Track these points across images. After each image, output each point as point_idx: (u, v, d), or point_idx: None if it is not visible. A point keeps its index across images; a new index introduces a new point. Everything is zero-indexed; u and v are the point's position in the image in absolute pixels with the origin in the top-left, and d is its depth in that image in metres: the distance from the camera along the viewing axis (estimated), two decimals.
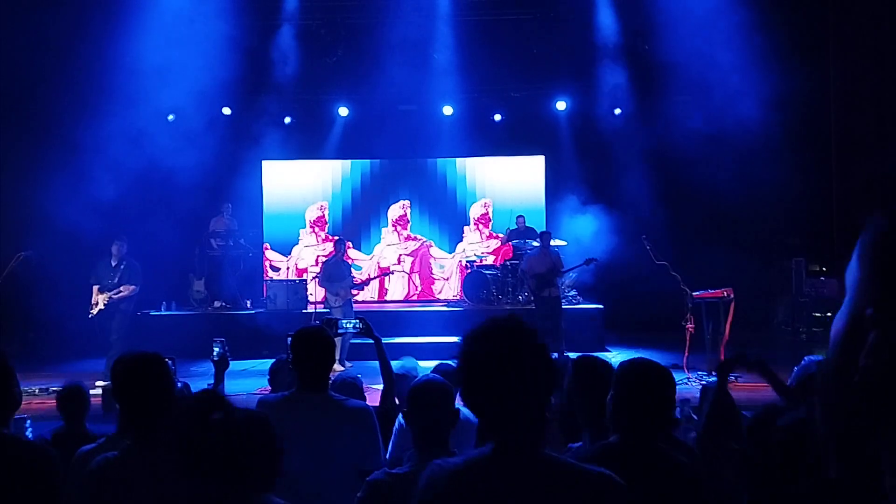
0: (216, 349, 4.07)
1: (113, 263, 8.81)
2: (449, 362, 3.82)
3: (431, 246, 13.52)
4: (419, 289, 13.39)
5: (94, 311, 8.74)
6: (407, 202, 13.55)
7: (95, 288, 8.79)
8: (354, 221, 13.54)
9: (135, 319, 10.77)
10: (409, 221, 13.57)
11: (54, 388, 8.12)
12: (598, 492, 1.67)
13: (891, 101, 8.54)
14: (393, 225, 13.58)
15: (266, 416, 2.12)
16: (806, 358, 3.65)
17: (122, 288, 8.77)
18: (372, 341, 4.59)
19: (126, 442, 2.55)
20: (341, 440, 3.01)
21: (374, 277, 11.56)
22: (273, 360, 4.50)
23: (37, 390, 8.10)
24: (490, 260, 12.79)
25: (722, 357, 8.37)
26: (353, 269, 10.20)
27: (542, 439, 1.70)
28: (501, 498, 1.63)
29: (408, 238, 13.53)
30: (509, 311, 1.80)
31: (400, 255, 13.49)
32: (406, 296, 13.34)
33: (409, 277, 13.39)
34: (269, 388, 4.44)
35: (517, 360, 1.67)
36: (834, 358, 1.61)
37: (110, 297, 8.73)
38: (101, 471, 2.40)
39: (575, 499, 1.65)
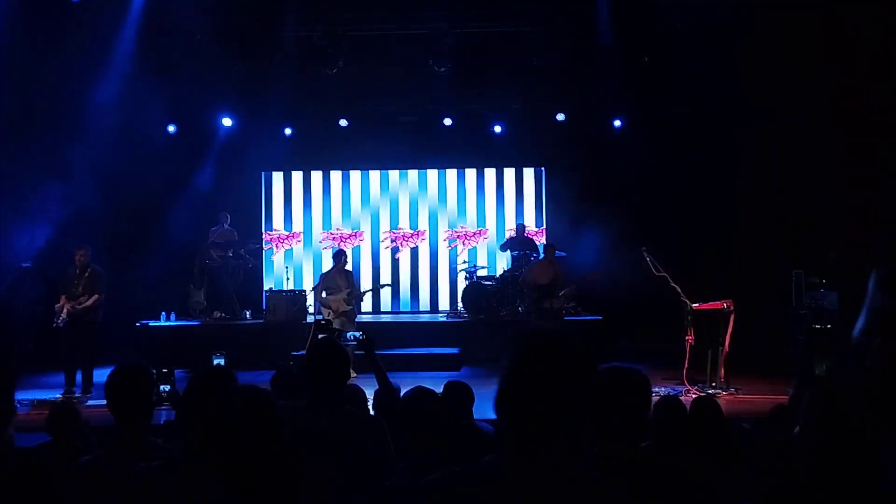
0: (216, 362, 4.08)
1: (77, 272, 8.65)
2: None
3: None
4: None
5: (59, 319, 8.58)
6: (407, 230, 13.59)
7: (63, 297, 8.64)
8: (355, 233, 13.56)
9: (132, 330, 10.80)
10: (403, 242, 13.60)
11: (51, 399, 8.17)
12: (612, 495, 1.68)
13: (892, 109, 8.55)
14: (392, 240, 13.59)
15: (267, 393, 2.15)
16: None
17: (81, 299, 8.60)
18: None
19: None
20: (355, 453, 3.01)
21: (370, 290, 11.48)
22: (274, 372, 4.50)
23: (34, 401, 8.07)
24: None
25: (722, 371, 8.36)
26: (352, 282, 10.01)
27: (562, 445, 1.71)
28: (513, 501, 1.64)
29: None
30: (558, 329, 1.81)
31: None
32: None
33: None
34: None
35: (566, 373, 1.69)
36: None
37: (73, 307, 8.56)
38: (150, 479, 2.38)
39: (594, 501, 1.66)
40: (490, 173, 13.59)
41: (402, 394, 4.61)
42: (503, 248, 12.48)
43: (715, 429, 3.64)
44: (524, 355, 1.72)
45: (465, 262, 12.84)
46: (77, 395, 8.44)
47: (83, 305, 8.59)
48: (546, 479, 1.65)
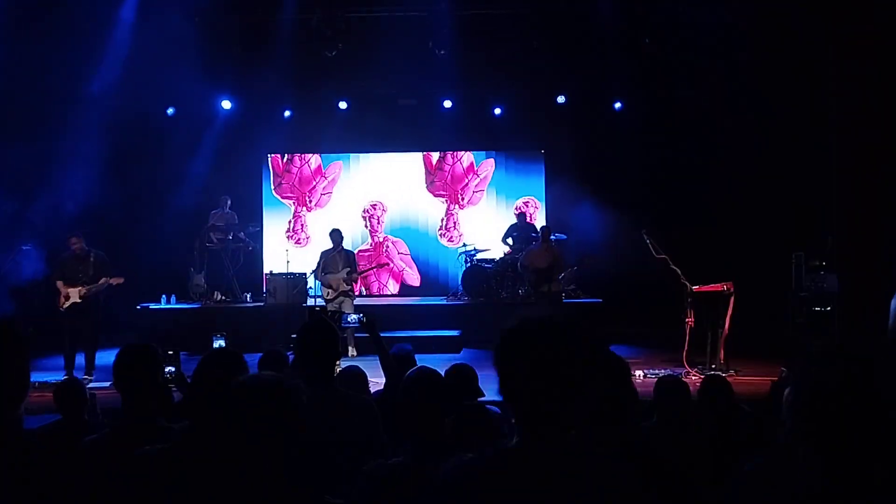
0: (217, 344, 4.09)
1: (76, 258, 8.63)
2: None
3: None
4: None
5: (66, 304, 8.57)
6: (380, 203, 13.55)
7: (60, 283, 8.61)
8: (352, 217, 13.55)
9: (132, 313, 10.83)
10: (380, 223, 13.58)
11: (53, 381, 8.20)
12: (626, 479, 1.69)
13: (891, 94, 8.53)
14: (392, 221, 13.60)
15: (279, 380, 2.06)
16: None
17: (109, 280, 8.62)
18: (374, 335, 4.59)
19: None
20: (344, 434, 3.02)
21: (369, 269, 11.50)
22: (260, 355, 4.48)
23: (36, 384, 8.10)
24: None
25: (721, 353, 8.38)
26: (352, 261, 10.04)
27: (572, 430, 1.71)
28: (534, 488, 1.63)
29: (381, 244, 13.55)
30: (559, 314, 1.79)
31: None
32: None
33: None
34: None
35: (571, 355, 1.68)
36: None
37: (90, 290, 8.56)
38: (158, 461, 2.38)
39: (606, 486, 1.66)
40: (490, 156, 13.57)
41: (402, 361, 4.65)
42: (504, 239, 12.36)
43: (723, 408, 3.66)
44: (516, 345, 1.70)
45: (464, 244, 12.82)
46: (79, 377, 8.47)
47: (97, 288, 8.62)
48: (562, 464, 1.65)
